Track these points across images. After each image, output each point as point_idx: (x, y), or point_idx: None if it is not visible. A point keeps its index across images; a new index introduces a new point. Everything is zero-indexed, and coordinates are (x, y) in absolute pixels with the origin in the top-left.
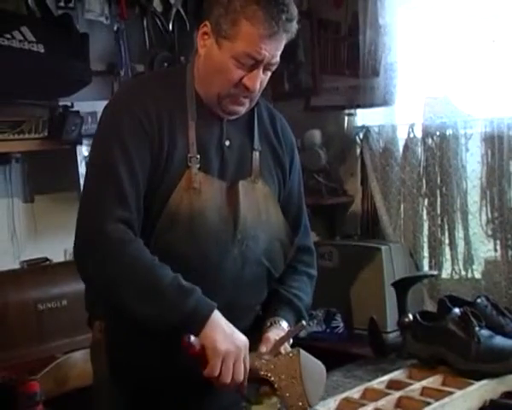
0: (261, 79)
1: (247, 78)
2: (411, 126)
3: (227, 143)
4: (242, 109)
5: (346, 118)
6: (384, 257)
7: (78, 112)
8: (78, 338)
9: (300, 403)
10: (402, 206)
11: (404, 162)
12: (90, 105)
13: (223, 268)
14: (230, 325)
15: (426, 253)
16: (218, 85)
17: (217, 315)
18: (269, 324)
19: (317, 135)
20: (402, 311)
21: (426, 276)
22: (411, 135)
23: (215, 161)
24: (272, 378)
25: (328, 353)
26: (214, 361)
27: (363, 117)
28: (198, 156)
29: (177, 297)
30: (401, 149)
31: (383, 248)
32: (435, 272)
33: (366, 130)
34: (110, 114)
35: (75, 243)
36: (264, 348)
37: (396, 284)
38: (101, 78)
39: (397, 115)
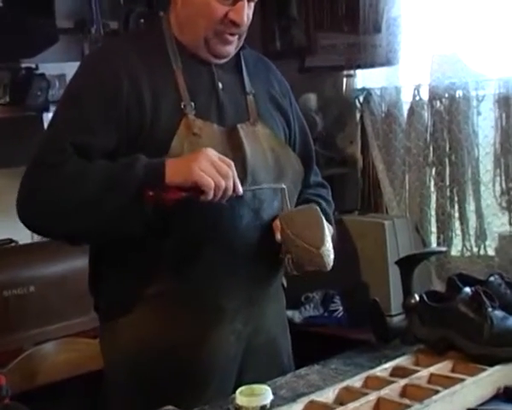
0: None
1: (232, 12)
2: (417, 88)
3: (220, 85)
4: (231, 49)
5: (345, 80)
6: (387, 233)
7: (43, 75)
8: (49, 328)
9: (316, 249)
10: (407, 176)
11: (408, 128)
12: (57, 67)
13: (236, 215)
14: (188, 155)
15: (433, 228)
16: (202, 27)
17: (169, 159)
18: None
19: (312, 99)
20: (407, 292)
21: (433, 253)
22: (417, 98)
23: (211, 105)
24: (289, 231)
25: (326, 339)
26: (195, 175)
27: (364, 78)
28: (192, 104)
29: (125, 172)
30: (406, 113)
31: (386, 223)
32: (444, 249)
33: (367, 93)
34: (75, 78)
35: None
36: (277, 235)
37: (400, 263)
38: (70, 36)
39: (401, 76)
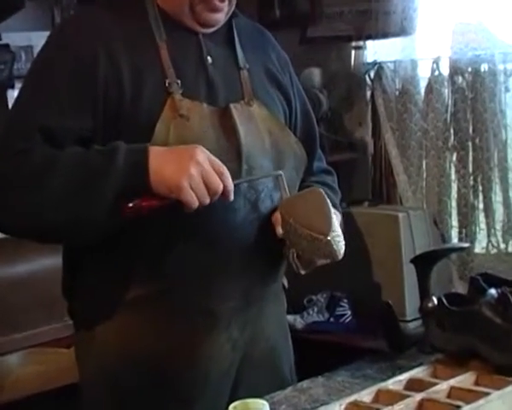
0: None
1: None
2: (436, 61)
3: (209, 59)
4: (220, 17)
5: (353, 52)
6: (402, 227)
7: (7, 46)
8: (14, 337)
9: (324, 236)
10: (424, 163)
11: (426, 108)
12: (23, 37)
13: (229, 207)
14: (170, 148)
15: (454, 221)
16: None
17: (154, 150)
18: None
19: (315, 75)
20: (424, 294)
21: (454, 249)
22: (436, 72)
23: (199, 83)
24: (291, 219)
25: (332, 347)
26: (182, 194)
27: (375, 51)
28: (178, 81)
29: (102, 163)
30: (423, 90)
31: (401, 215)
32: (466, 245)
33: (378, 67)
34: (43, 50)
35: None
36: (278, 229)
37: (417, 261)
38: (38, 2)
39: (418, 48)
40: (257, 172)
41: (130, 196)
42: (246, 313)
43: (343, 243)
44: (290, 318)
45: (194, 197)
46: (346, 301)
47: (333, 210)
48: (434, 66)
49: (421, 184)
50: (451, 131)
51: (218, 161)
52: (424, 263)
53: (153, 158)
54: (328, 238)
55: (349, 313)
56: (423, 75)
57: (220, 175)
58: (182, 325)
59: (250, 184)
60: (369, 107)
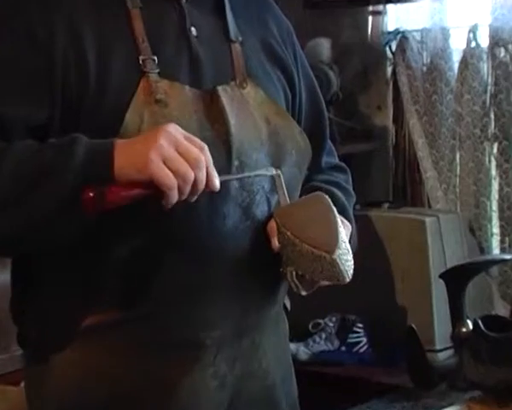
0: None
1: None
2: (473, 30)
3: (193, 30)
4: None
5: (371, 19)
6: (430, 234)
7: None
8: None
9: (328, 253)
10: (458, 155)
11: (460, 87)
12: None
13: (220, 213)
14: (144, 135)
15: (495, 228)
16: None
17: (120, 141)
18: None
19: (324, 46)
20: (457, 317)
21: (495, 262)
22: (473, 44)
23: (181, 60)
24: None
25: (343, 383)
26: (152, 170)
27: (398, 17)
28: (155, 58)
29: (56, 160)
30: (456, 66)
31: (428, 220)
32: (509, 257)
33: (402, 37)
34: None
35: None
36: (275, 242)
37: (448, 276)
38: None
39: (450, 14)
40: (250, 169)
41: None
42: (237, 344)
43: (352, 262)
44: (292, 347)
45: (169, 174)
46: (360, 325)
47: (340, 221)
48: (470, 36)
49: (454, 182)
50: (491, 116)
51: (194, 136)
52: (457, 279)
53: (119, 147)
54: (334, 257)
55: (364, 340)
56: (457, 47)
57: (199, 149)
58: (157, 358)
59: (241, 185)
60: (390, 86)
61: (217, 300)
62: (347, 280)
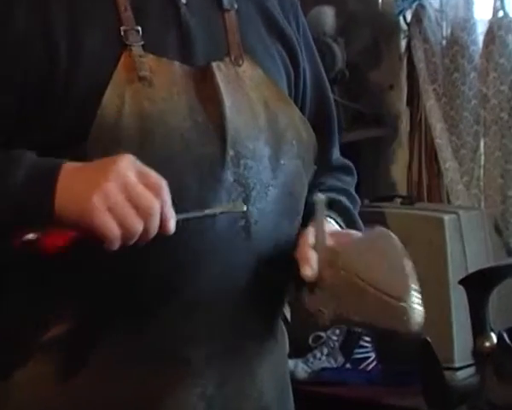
0: None
1: None
2: None
3: None
4: None
5: None
6: (449, 234)
7: None
8: None
9: (399, 300)
10: (482, 143)
11: (486, 64)
12: None
13: (208, 206)
14: (91, 163)
15: None
16: None
17: (67, 167)
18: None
19: (327, 16)
20: (479, 329)
21: None
22: (500, 13)
23: (169, 31)
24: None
25: (348, 405)
26: (94, 217)
27: None
28: (139, 29)
29: None
30: (481, 39)
31: (447, 218)
32: None
33: (418, 5)
34: None
35: None
36: (307, 270)
37: (470, 282)
38: None
39: None
40: (247, 160)
41: (26, 223)
42: (227, 362)
43: (422, 310)
44: (290, 363)
45: (112, 223)
46: (367, 339)
47: (411, 263)
48: (497, 4)
49: (478, 174)
50: None
51: (151, 172)
52: (480, 285)
53: (64, 175)
54: (405, 305)
55: (372, 356)
56: (482, 18)
57: (155, 190)
58: (134, 377)
59: (236, 178)
60: (404, 63)
61: (203, 314)
62: (415, 330)
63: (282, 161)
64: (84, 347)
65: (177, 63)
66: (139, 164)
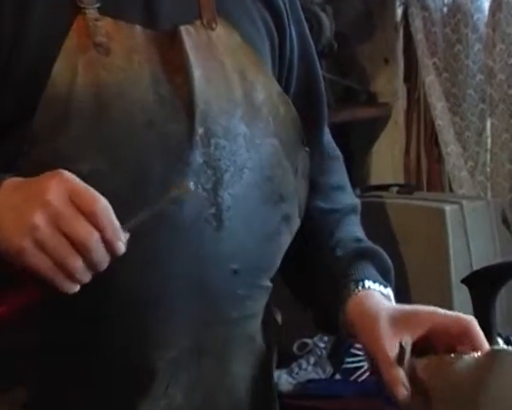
0: None
1: None
2: None
3: None
4: None
5: None
6: (451, 227)
7: None
8: None
9: None
10: (489, 124)
11: (492, 34)
12: None
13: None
14: (27, 181)
15: None
16: None
17: (5, 186)
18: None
19: None
20: (485, 333)
21: None
22: None
23: None
24: None
25: None
26: (25, 260)
27: None
28: None
29: None
30: (487, 6)
31: (449, 208)
32: None
33: None
34: None
35: None
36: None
37: (474, 280)
38: None
39: None
40: (220, 141)
41: None
42: (196, 366)
43: None
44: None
45: (45, 262)
46: (359, 346)
47: None
48: None
49: (484, 159)
50: None
51: (86, 193)
52: (485, 284)
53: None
54: None
55: (365, 365)
56: None
57: (89, 216)
58: (91, 386)
59: (206, 160)
60: (401, 33)
61: (170, 310)
62: None
63: (257, 141)
64: (38, 353)
65: (138, 27)
66: (74, 182)
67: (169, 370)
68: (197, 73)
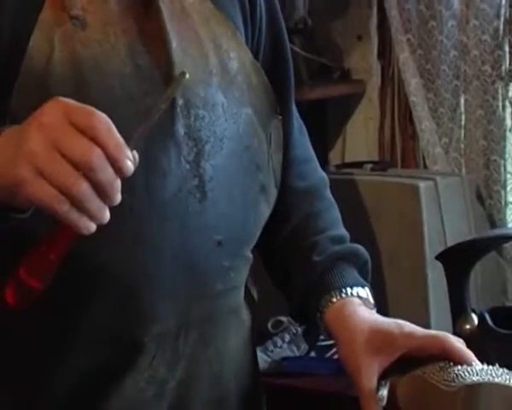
0: None
1: None
2: None
3: None
4: None
5: None
6: (425, 203)
7: None
8: None
9: None
10: (462, 100)
11: (465, 10)
12: None
13: (158, 170)
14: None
15: (511, 195)
16: None
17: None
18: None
19: None
20: (459, 309)
21: (509, 238)
22: None
23: None
24: None
25: (313, 398)
26: (30, 189)
27: None
28: None
29: None
30: None
31: (423, 185)
32: None
33: None
34: None
35: None
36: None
37: (448, 257)
38: None
39: None
40: (200, 111)
41: None
42: (181, 340)
43: None
44: None
45: (49, 190)
46: None
47: None
48: None
49: (458, 136)
50: (506, 48)
51: (83, 108)
52: (460, 261)
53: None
54: None
55: None
56: None
57: (88, 130)
58: (77, 358)
59: (187, 131)
60: (374, 10)
61: (156, 288)
62: None
63: (234, 110)
64: (23, 329)
65: None
66: (69, 102)
67: (155, 344)
68: (174, 44)
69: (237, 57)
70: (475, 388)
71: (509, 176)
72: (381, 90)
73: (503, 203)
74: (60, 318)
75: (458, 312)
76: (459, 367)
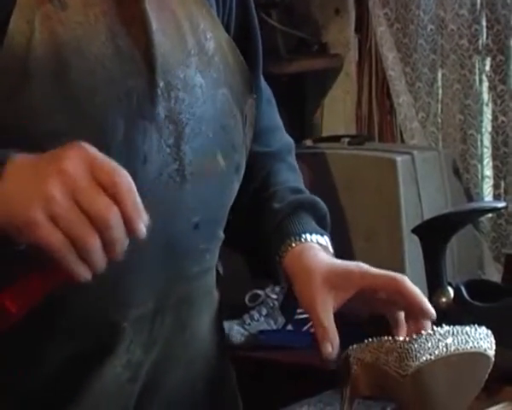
0: None
1: None
2: None
3: None
4: None
5: None
6: (402, 177)
7: None
8: None
9: None
10: (440, 74)
11: None
12: None
13: (139, 155)
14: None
15: (487, 169)
16: None
17: (16, 163)
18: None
19: None
20: (435, 283)
21: (485, 211)
22: None
23: None
24: None
25: (289, 371)
26: (36, 234)
27: None
28: None
29: None
30: None
31: (400, 159)
32: (503, 204)
33: None
34: None
35: None
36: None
37: (424, 230)
38: None
39: None
40: (180, 94)
41: None
42: (158, 323)
43: None
44: (224, 325)
45: (60, 238)
46: None
47: None
48: None
49: (435, 110)
50: (483, 22)
51: (107, 166)
52: (436, 234)
53: (9, 175)
54: None
55: None
56: None
57: (110, 188)
58: (55, 343)
59: (168, 114)
60: None
61: (135, 273)
62: None
63: (212, 91)
64: None
65: None
66: (94, 153)
67: (132, 329)
68: (154, 25)
69: (214, 37)
70: (418, 374)
71: (485, 150)
72: (358, 64)
73: (479, 177)
74: (39, 306)
75: (434, 285)
76: (405, 347)
